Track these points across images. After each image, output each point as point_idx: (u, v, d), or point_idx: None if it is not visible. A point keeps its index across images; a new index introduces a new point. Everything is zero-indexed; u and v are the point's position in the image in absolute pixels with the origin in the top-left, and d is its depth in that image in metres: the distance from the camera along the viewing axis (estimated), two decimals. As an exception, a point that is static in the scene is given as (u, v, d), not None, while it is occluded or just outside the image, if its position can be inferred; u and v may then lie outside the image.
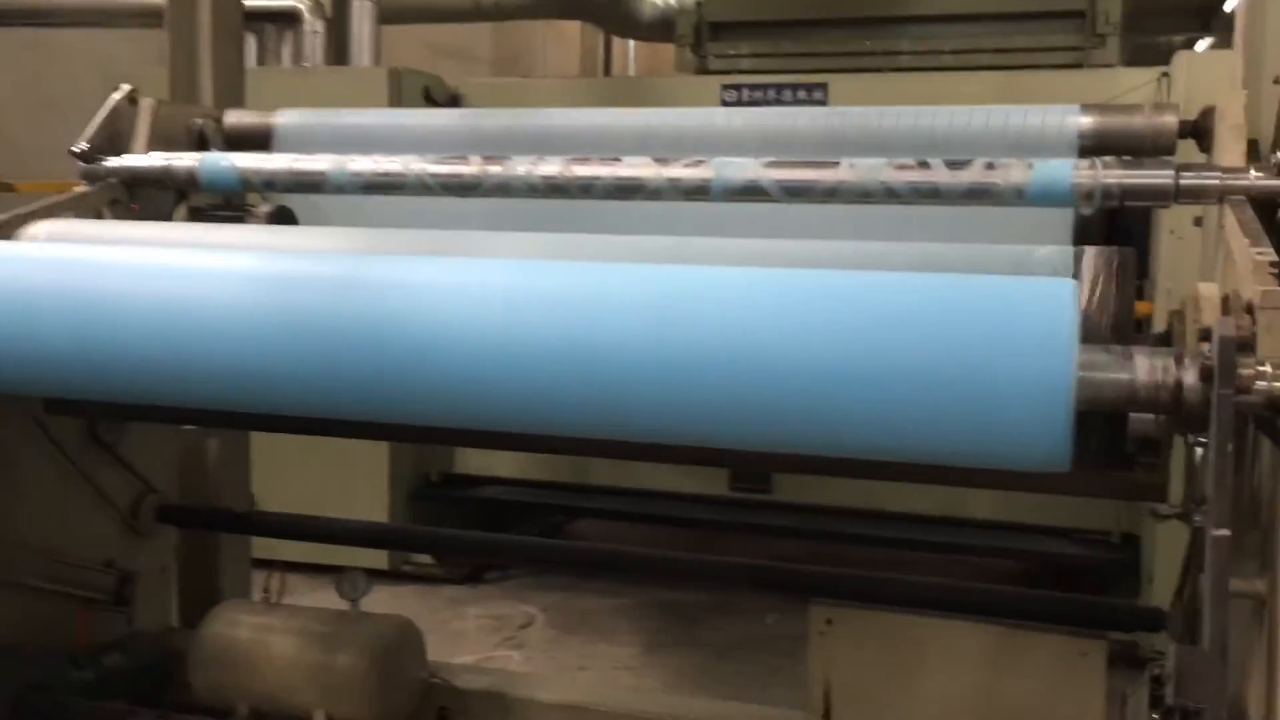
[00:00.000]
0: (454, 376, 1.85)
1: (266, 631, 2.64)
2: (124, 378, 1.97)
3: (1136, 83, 4.16)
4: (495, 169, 2.56)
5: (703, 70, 6.17)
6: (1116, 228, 4.03)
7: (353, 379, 1.90)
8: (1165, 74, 4.07)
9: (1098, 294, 1.84)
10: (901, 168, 2.31)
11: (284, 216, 2.87)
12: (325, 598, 2.78)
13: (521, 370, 1.81)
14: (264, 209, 2.88)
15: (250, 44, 5.58)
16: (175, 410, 2.38)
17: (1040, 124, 2.54)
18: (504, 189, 2.57)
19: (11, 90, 6.39)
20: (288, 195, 2.86)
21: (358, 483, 4.77)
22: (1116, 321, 1.83)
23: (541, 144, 2.83)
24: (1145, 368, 1.63)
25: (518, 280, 1.88)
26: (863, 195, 2.35)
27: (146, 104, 2.94)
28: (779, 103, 4.60)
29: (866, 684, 2.50)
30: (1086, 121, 2.48)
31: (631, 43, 9.92)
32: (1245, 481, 1.76)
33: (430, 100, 4.78)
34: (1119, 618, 2.41)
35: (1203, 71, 3.92)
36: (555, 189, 2.53)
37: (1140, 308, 4.06)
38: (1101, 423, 1.82)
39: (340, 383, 1.91)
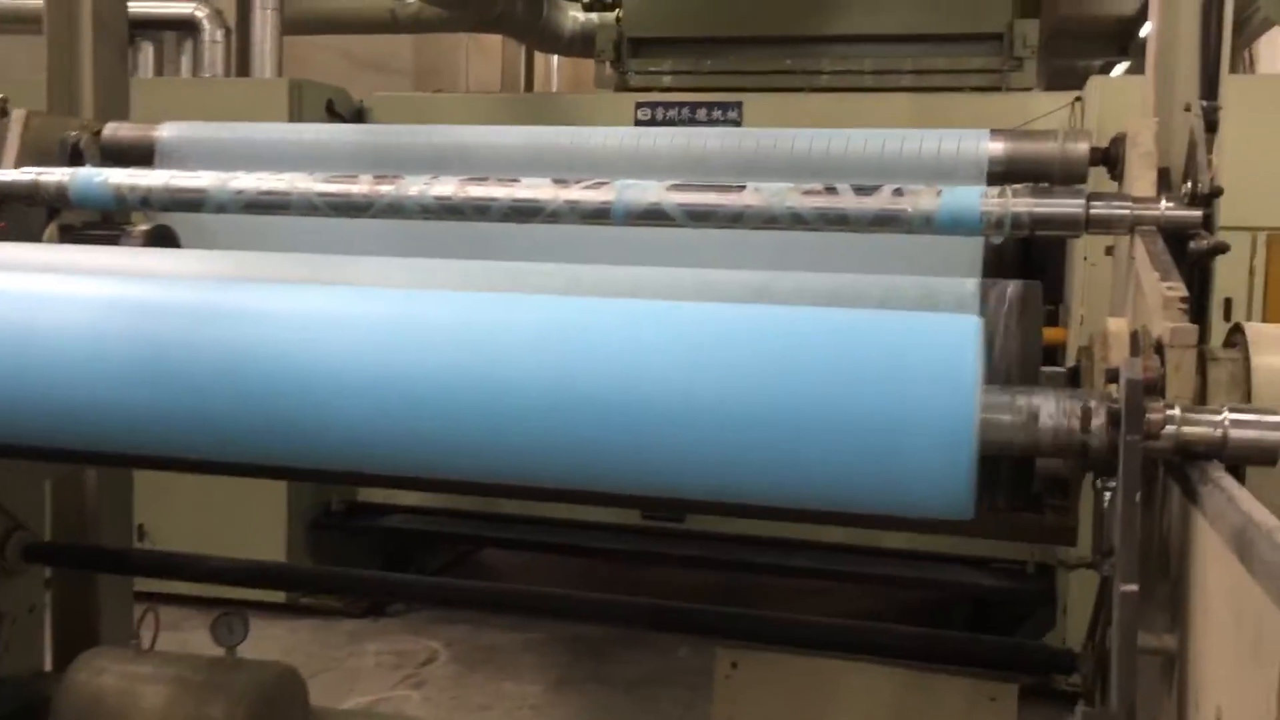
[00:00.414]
0: (326, 415, 1.71)
1: (136, 680, 2.47)
2: (-40, 415, 1.80)
3: (1051, 107, 4.15)
4: (386, 189, 2.44)
5: (624, 86, 6.09)
6: (1032, 252, 4.02)
7: (217, 418, 1.75)
8: (1079, 99, 4.06)
9: (1003, 330, 1.76)
10: (808, 193, 2.24)
11: (164, 236, 2.71)
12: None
13: (398, 408, 1.68)
14: (141, 229, 2.72)
15: (148, 54, 5.39)
16: (33, 447, 2.20)
17: (951, 149, 2.49)
18: (396, 210, 2.45)
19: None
20: (174, 214, 2.70)
21: (255, 511, 4.58)
22: (1022, 359, 1.75)
23: (442, 162, 2.72)
24: (1051, 410, 1.55)
25: (396, 311, 1.75)
26: (769, 220, 2.27)
27: (17, 115, 2.77)
28: (693, 122, 4.52)
29: (773, 729, 2.41)
30: (997, 147, 2.44)
31: (555, 57, 9.83)
32: (1155, 529, 1.68)
33: (333, 114, 4.61)
34: (1030, 660, 2.34)
35: (1116, 97, 3.92)
36: (450, 210, 2.41)
37: (1054, 335, 4.03)
38: (1007, 462, 1.75)
39: (204, 422, 1.76)
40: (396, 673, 4.28)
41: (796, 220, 2.24)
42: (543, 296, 1.76)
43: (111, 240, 2.66)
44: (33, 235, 2.71)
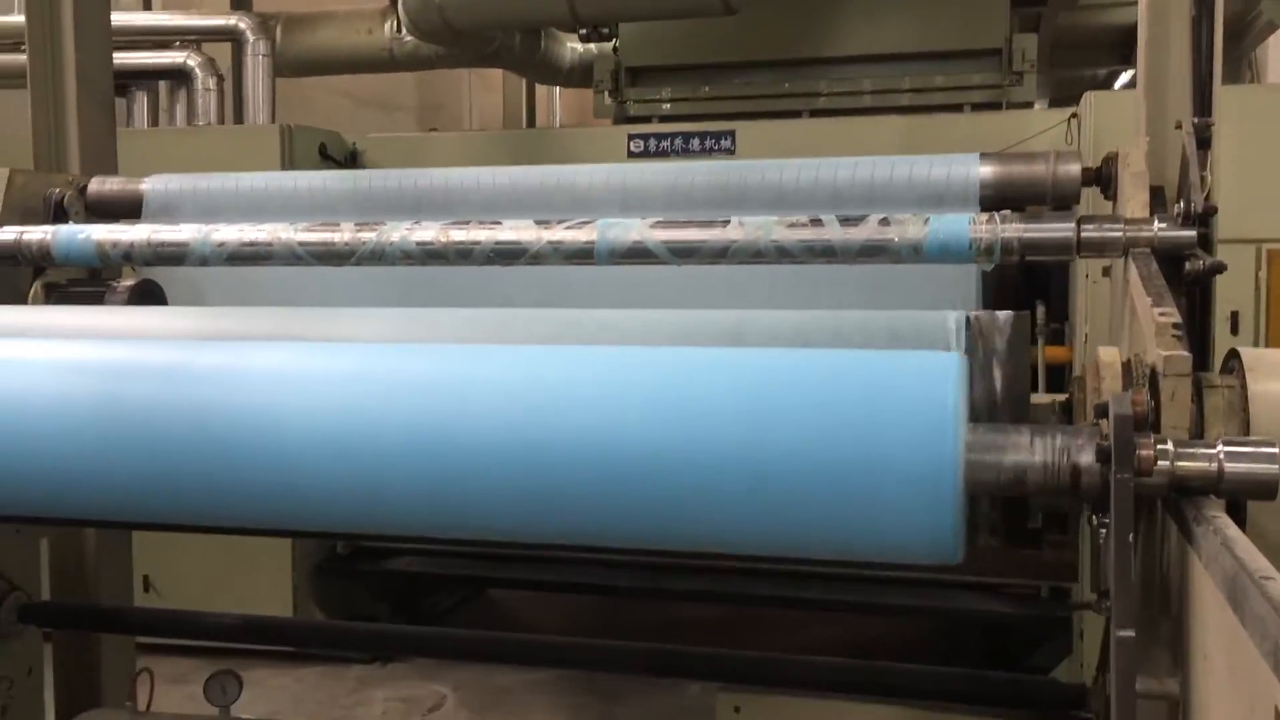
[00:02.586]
0: (299, 476, 1.67)
1: (130, 744, 2.43)
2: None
3: (1049, 123, 4.10)
4: (368, 236, 2.41)
5: (622, 115, 6.07)
6: (1035, 272, 3.95)
7: (188, 482, 1.71)
8: (1075, 115, 4.01)
9: (989, 364, 1.70)
10: (793, 225, 2.20)
11: (148, 292, 2.68)
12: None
13: (371, 467, 1.64)
14: (126, 284, 2.69)
15: (143, 104, 5.41)
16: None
17: (941, 175, 2.46)
18: (379, 256, 2.42)
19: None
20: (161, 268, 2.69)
21: (260, 557, 4.54)
22: (1010, 393, 1.70)
23: (430, 205, 2.70)
24: (1039, 448, 1.50)
25: (370, 367, 1.71)
26: (754, 255, 2.24)
27: (0, 174, 2.76)
28: (686, 152, 4.49)
29: (779, 774, 2.35)
30: (987, 171, 2.41)
31: (557, 88, 9.84)
32: (1156, 565, 1.63)
33: (326, 157, 4.60)
34: (1039, 696, 2.27)
35: (1111, 112, 3.87)
36: (433, 255, 2.39)
37: (1059, 354, 3.97)
38: (1000, 499, 1.70)
39: (175, 486, 1.72)
40: (404, 721, 4.23)
41: (782, 254, 2.21)
42: (513, 347, 1.72)
43: (95, 297, 2.64)
44: (20, 294, 2.70)
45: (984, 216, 2.12)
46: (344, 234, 2.41)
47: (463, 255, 2.36)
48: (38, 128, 3.13)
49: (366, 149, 4.74)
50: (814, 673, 2.39)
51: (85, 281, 2.78)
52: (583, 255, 2.29)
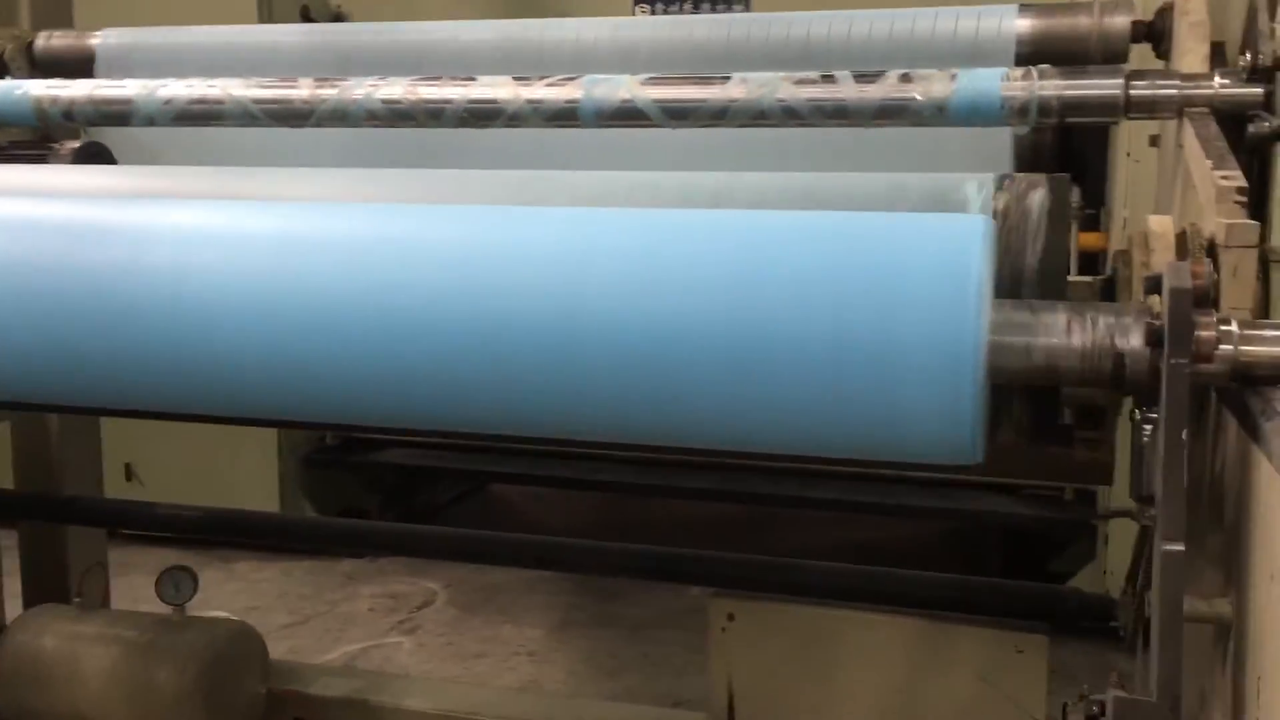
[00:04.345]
0: (216, 350, 1.46)
1: (77, 641, 2.28)
2: None
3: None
4: (329, 93, 2.16)
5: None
6: (1071, 150, 3.66)
7: (93, 354, 1.50)
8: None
9: (1021, 234, 1.46)
10: (801, 83, 1.94)
11: (95, 154, 2.47)
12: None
13: (301, 340, 1.43)
14: (70, 146, 2.48)
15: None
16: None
17: (972, 29, 2.19)
18: (341, 116, 2.18)
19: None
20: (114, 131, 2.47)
21: (246, 447, 4.37)
22: (1046, 268, 1.46)
23: (405, 63, 2.46)
24: (1077, 330, 1.27)
25: (291, 227, 1.49)
26: (757, 116, 1.98)
27: (-63, 28, 2.52)
28: (696, 12, 4.16)
29: (774, 685, 2.18)
30: (1024, 24, 2.15)
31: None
32: (1206, 467, 1.41)
33: (308, 19, 4.30)
34: (1062, 607, 2.08)
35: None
36: (399, 115, 2.14)
37: (1094, 240, 3.70)
38: (1027, 391, 1.48)
39: (80, 358, 1.52)
40: (390, 618, 4.06)
41: (788, 115, 1.95)
42: (467, 206, 1.48)
43: (36, 160, 2.43)
44: (-37, 156, 2.48)
45: (1019, 72, 1.86)
46: (302, 90, 2.17)
47: (433, 115, 2.12)
48: (-16, -23, 2.89)
49: (353, 11, 4.44)
50: (814, 579, 2.20)
51: (28, 144, 2.56)
52: (566, 116, 2.04)
